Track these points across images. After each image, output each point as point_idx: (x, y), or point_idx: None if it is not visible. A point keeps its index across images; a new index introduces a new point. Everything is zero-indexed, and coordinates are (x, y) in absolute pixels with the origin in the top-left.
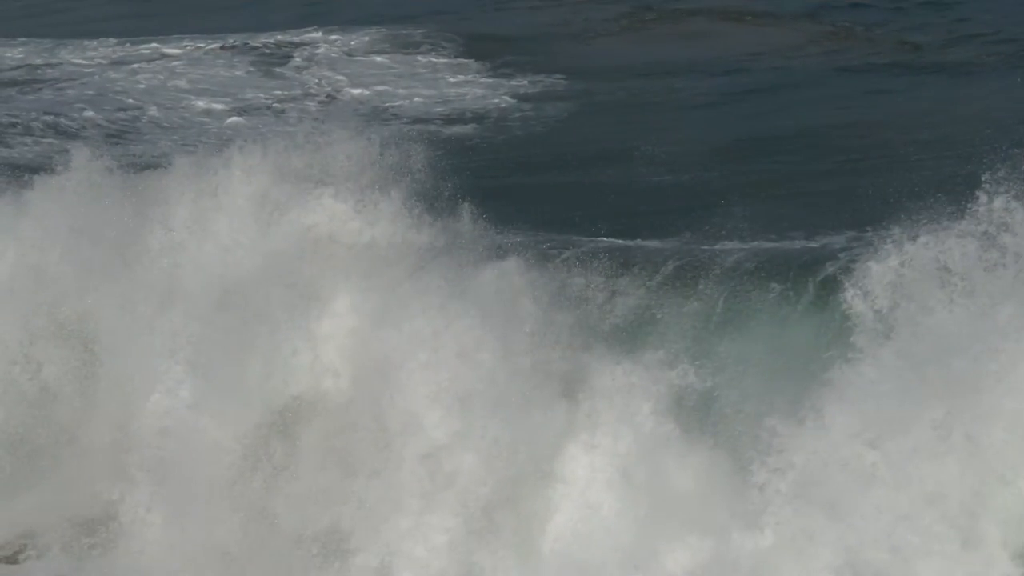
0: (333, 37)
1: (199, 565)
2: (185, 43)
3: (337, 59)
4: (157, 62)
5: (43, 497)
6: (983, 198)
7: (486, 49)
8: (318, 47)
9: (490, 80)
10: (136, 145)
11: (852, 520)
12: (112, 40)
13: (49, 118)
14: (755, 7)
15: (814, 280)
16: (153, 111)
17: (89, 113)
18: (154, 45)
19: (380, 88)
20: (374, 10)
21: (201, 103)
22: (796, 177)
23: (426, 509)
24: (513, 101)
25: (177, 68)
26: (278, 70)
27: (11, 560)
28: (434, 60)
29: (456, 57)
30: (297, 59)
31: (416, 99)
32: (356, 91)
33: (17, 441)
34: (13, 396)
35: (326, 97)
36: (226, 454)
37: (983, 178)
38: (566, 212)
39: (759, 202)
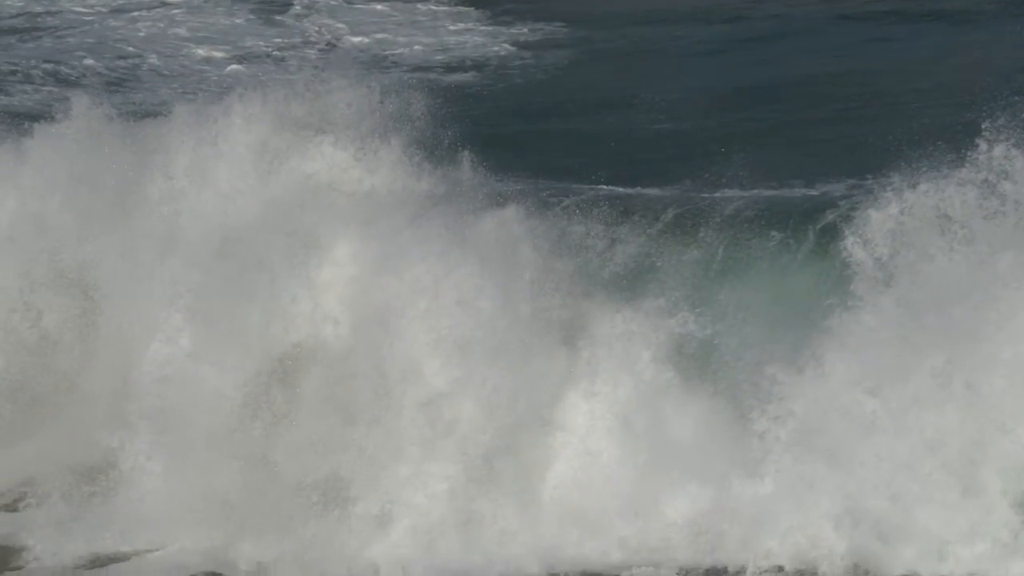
0: None
1: (199, 513)
2: None
3: (337, 7)
4: (157, 10)
5: (43, 445)
6: (983, 146)
7: None
8: None
9: (490, 28)
10: (136, 93)
11: (852, 468)
12: None
13: (49, 66)
14: None
15: (814, 228)
16: (153, 59)
17: (89, 61)
18: None
19: (380, 36)
20: None
21: (201, 51)
22: (796, 125)
23: (426, 457)
24: (513, 49)
25: (177, 16)
26: (278, 18)
27: (11, 508)
28: (434, 8)
29: (456, 5)
30: (297, 7)
31: (416, 47)
32: (356, 39)
33: (17, 389)
34: (13, 344)
35: (326, 45)
36: (226, 402)
37: (983, 126)
38: (566, 160)
39: (759, 150)
